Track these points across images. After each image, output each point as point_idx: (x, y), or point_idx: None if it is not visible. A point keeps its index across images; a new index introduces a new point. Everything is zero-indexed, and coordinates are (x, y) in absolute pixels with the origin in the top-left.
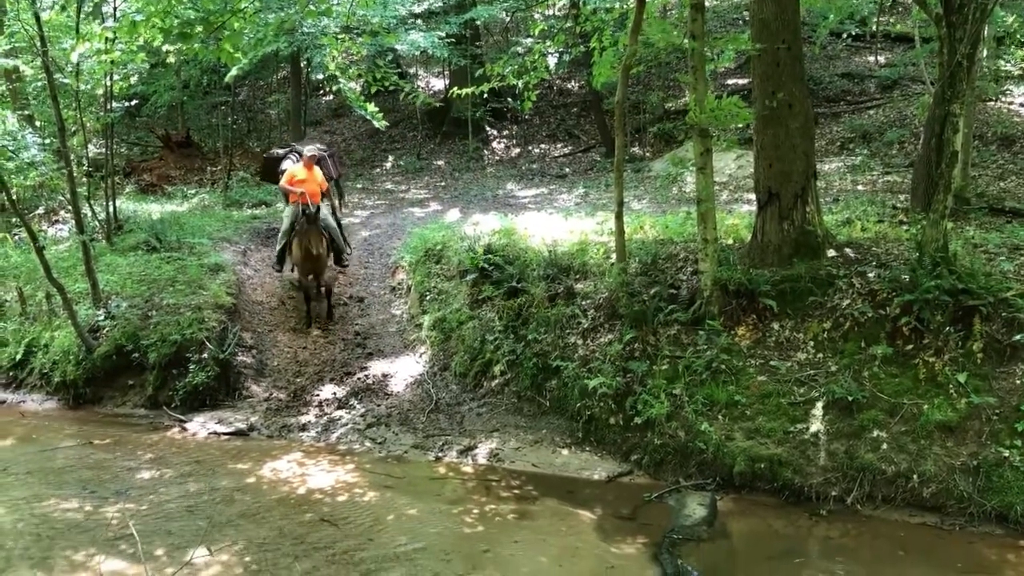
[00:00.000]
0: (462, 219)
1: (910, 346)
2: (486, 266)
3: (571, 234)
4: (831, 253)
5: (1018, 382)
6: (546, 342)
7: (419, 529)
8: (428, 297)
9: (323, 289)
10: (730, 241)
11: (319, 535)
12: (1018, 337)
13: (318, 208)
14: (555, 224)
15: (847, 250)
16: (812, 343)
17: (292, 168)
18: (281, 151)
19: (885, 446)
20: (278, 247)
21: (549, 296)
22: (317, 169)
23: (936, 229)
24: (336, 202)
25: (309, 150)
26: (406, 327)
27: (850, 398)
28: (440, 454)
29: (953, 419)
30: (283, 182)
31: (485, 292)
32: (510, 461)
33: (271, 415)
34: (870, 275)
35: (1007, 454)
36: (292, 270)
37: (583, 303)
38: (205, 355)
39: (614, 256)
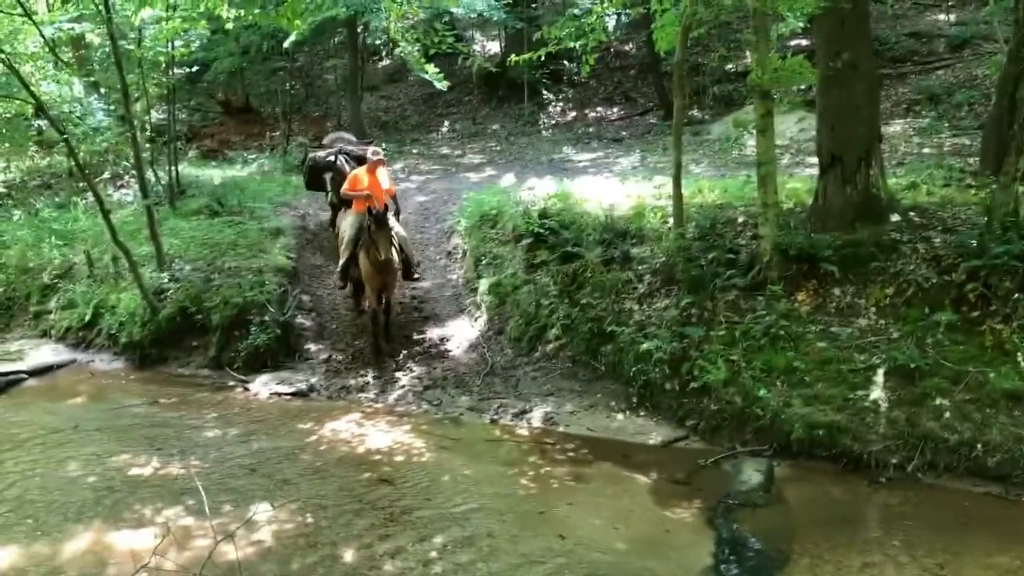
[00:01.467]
0: (517, 183)
1: (976, 313)
2: (541, 231)
3: (628, 198)
4: (895, 218)
5: None
6: (601, 307)
7: (474, 490)
8: (483, 262)
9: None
10: (791, 205)
11: (377, 494)
12: None
13: (387, 208)
14: (611, 188)
15: (912, 215)
16: (874, 309)
17: (355, 172)
18: (322, 154)
19: (948, 414)
20: (341, 260)
21: (605, 261)
22: (382, 171)
23: (1006, 193)
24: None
25: (374, 152)
26: (461, 291)
27: (912, 365)
28: (495, 417)
29: (1020, 387)
30: (345, 188)
31: (540, 257)
32: (565, 425)
33: (331, 376)
34: (935, 240)
35: None
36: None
37: (639, 268)
38: (266, 317)
39: (671, 221)
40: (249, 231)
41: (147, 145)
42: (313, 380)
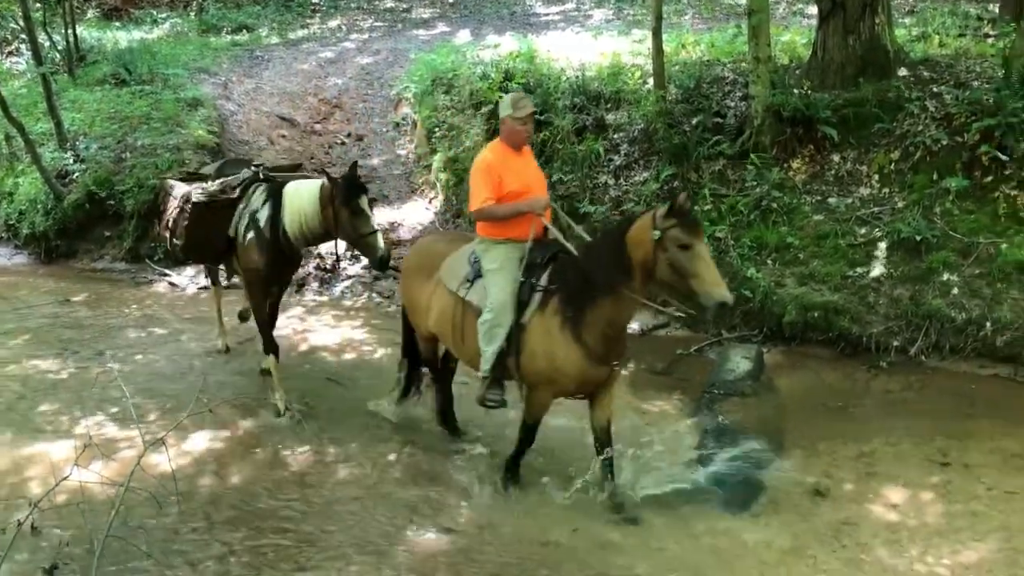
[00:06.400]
0: (475, 41)
1: (989, 178)
2: (504, 95)
3: (602, 56)
4: (902, 72)
5: None
6: (573, 182)
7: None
8: (437, 134)
9: None
10: (786, 61)
11: (324, 394)
12: None
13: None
14: (583, 45)
15: (921, 69)
16: (877, 176)
17: (487, 158)
18: (195, 190)
19: (956, 291)
20: (489, 349)
21: (576, 129)
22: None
23: None
24: None
25: (520, 101)
26: (413, 169)
27: (918, 238)
28: None
29: None
30: (490, 193)
31: None
32: None
33: None
34: (946, 97)
35: None
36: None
37: (615, 136)
38: None
39: (651, 81)
40: (163, 102)
41: (37, 4)
42: None
